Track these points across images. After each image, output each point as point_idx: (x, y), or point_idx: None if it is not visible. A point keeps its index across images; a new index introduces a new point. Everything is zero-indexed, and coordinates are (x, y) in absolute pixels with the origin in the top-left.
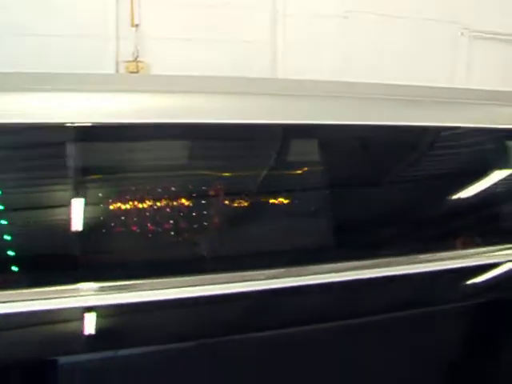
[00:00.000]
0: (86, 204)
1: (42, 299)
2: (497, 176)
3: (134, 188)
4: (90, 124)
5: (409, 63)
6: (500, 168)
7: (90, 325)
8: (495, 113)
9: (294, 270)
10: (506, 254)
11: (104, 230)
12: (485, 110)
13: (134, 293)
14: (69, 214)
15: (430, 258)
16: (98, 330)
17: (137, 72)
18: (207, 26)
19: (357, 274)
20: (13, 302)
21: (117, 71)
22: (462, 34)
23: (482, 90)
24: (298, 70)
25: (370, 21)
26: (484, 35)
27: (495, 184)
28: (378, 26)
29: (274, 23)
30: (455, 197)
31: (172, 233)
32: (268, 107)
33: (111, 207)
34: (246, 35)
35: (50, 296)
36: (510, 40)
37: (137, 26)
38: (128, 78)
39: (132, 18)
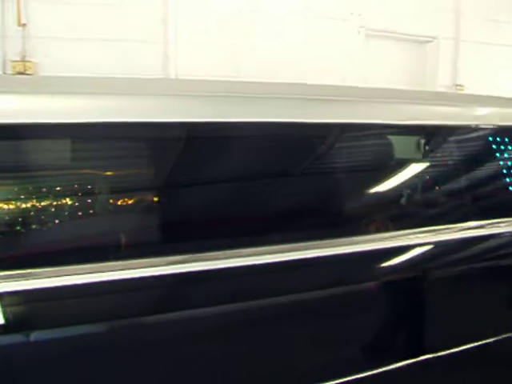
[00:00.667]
0: None
1: None
2: (402, 167)
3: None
4: None
5: (305, 61)
6: (400, 160)
7: None
8: (394, 110)
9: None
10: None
11: None
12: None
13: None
14: None
15: (346, 242)
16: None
17: (24, 72)
18: (97, 26)
19: (273, 258)
20: None
21: (4, 71)
22: (358, 32)
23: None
24: (190, 69)
25: (269, 19)
26: (375, 33)
27: (401, 174)
28: (273, 23)
29: (165, 23)
30: (361, 188)
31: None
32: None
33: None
34: (138, 35)
35: None
36: (401, 38)
37: (24, 25)
38: (8, 79)
39: (18, 18)
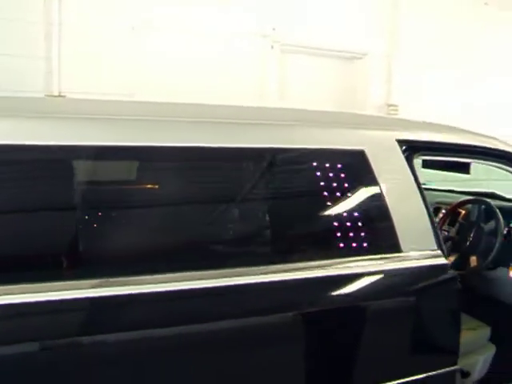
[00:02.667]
0: None
1: None
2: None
3: None
4: None
5: (218, 78)
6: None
7: None
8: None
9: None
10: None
11: None
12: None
13: None
14: None
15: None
16: None
17: None
18: None
19: (208, 283)
20: None
21: None
22: (272, 47)
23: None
24: (76, 86)
25: (171, 35)
26: (292, 48)
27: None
28: (176, 40)
29: (48, 38)
30: (296, 212)
31: None
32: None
33: None
34: (20, 50)
35: None
36: (327, 54)
37: None
38: None
39: None
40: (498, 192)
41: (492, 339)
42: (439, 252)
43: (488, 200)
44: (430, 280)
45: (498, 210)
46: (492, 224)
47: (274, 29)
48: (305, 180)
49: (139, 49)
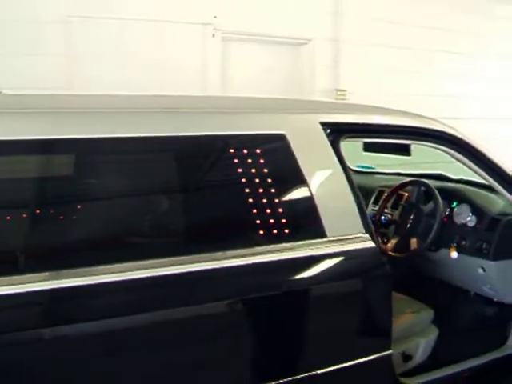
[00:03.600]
0: None
1: None
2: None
3: None
4: None
5: (158, 68)
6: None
7: None
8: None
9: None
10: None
11: None
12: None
13: None
14: None
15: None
16: None
17: None
18: None
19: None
20: None
21: None
22: (213, 35)
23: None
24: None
25: (113, 25)
26: (235, 36)
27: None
28: (116, 29)
29: None
30: (215, 201)
31: None
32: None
33: None
34: None
35: None
36: (270, 41)
37: None
38: None
39: None
40: (444, 173)
41: (435, 321)
42: (367, 236)
43: (426, 181)
44: (357, 264)
45: (436, 191)
46: (431, 205)
47: (214, 16)
48: (222, 168)
49: (74, 40)
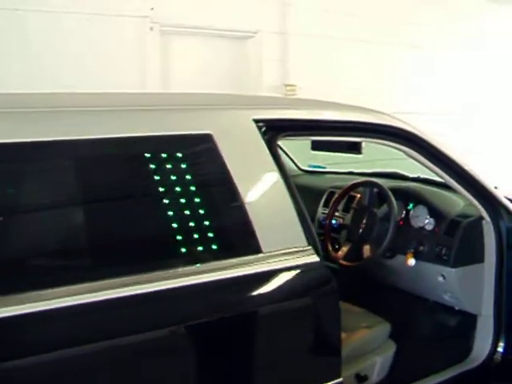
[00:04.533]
0: None
1: None
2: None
3: None
4: None
5: (92, 65)
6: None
7: None
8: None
9: None
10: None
11: None
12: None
13: None
14: None
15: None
16: None
17: None
18: None
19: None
20: None
21: None
22: (151, 28)
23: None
24: None
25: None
26: (174, 29)
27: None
28: (48, 21)
29: None
30: (125, 215)
31: None
32: None
33: None
34: None
35: None
36: (201, 33)
37: None
38: None
39: None
40: (400, 171)
41: (393, 336)
42: (310, 248)
43: (379, 182)
44: (297, 282)
45: (390, 193)
46: (385, 208)
47: (152, 8)
48: (133, 176)
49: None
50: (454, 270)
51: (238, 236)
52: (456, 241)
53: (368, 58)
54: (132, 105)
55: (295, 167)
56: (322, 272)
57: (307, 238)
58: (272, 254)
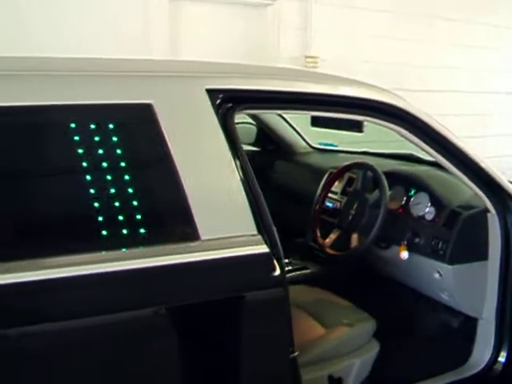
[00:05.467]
0: None
1: None
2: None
3: None
4: None
5: (96, 33)
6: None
7: None
8: None
9: None
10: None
11: None
12: None
13: None
14: None
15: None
16: None
17: None
18: None
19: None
20: None
21: None
22: None
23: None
24: None
25: None
26: None
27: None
28: None
29: None
30: (47, 193)
31: None
32: None
33: None
34: None
35: None
36: (228, 1)
37: None
38: None
39: None
40: (416, 153)
41: (379, 334)
42: (258, 238)
43: (372, 164)
44: (234, 276)
45: (383, 177)
46: (378, 194)
47: None
48: (53, 148)
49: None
50: (450, 267)
51: (172, 220)
52: (454, 234)
53: (395, 29)
54: (59, 70)
55: (305, 144)
56: (268, 266)
57: (258, 226)
58: (211, 241)
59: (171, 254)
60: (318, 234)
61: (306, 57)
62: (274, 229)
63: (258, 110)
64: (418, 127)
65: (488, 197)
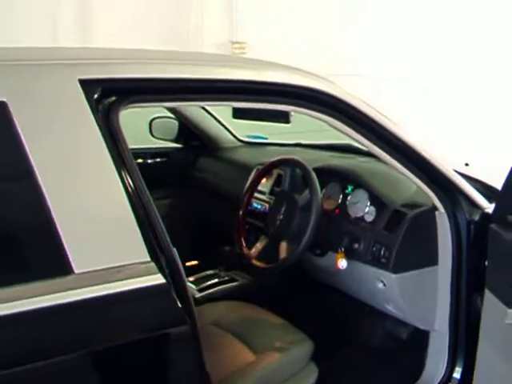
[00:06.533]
0: None
1: None
2: None
3: None
4: None
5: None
6: None
7: None
8: None
9: None
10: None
11: None
12: None
13: None
14: None
15: None
16: None
17: None
18: None
19: None
20: None
21: None
22: None
23: None
24: None
25: None
26: None
27: None
28: None
29: None
30: None
31: None
32: None
33: None
34: None
35: None
36: None
37: None
38: None
39: None
40: (355, 144)
41: (318, 356)
42: (151, 265)
43: (299, 160)
44: (119, 320)
45: (313, 175)
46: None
47: None
48: None
49: None
50: (394, 275)
51: (35, 250)
52: (398, 238)
53: (330, 12)
54: None
55: (232, 137)
56: (164, 301)
57: (151, 250)
58: (89, 275)
59: (33, 296)
60: (243, 243)
61: (233, 42)
62: (174, 251)
63: (153, 102)
64: (352, 117)
65: (435, 192)
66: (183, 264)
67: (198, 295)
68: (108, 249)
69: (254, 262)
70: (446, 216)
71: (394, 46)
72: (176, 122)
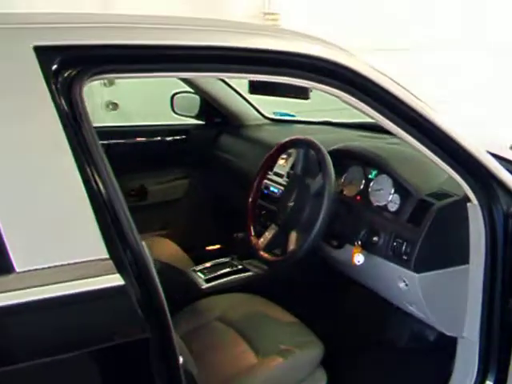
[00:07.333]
0: None
1: None
2: None
3: None
4: None
5: None
6: None
7: None
8: None
9: None
10: None
11: None
12: None
13: None
14: None
15: None
16: None
17: None
18: None
19: None
20: None
21: None
22: None
23: None
24: None
25: None
26: None
27: None
28: None
29: None
30: None
31: None
32: None
33: None
34: None
35: None
36: None
37: None
38: None
39: None
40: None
41: (328, 361)
42: (109, 264)
43: (314, 140)
44: (64, 324)
45: (327, 157)
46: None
47: None
48: None
49: None
50: (417, 275)
51: None
52: (422, 232)
53: None
54: None
55: (257, 114)
56: (118, 309)
57: (110, 246)
58: (33, 274)
59: None
60: (252, 232)
61: (265, 14)
62: (143, 246)
63: (117, 73)
64: (372, 93)
65: (468, 182)
66: (203, 248)
67: (204, 286)
68: (57, 244)
69: (262, 253)
70: (479, 208)
71: None
72: (198, 98)
